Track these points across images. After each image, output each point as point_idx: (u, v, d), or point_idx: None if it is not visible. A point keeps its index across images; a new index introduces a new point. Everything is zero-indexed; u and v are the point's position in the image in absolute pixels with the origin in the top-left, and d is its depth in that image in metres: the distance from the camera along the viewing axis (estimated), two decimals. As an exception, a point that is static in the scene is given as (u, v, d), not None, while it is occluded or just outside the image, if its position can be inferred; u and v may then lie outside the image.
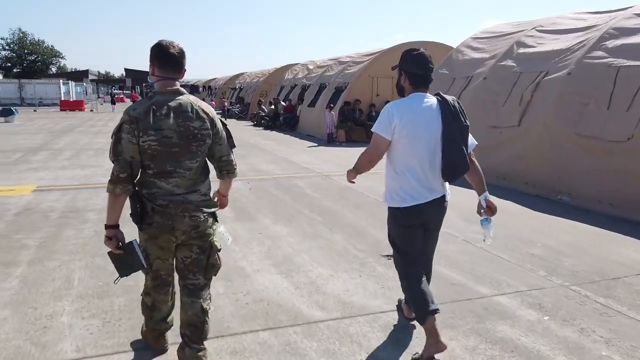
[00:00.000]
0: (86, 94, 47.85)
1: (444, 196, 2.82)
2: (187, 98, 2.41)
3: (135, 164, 2.32)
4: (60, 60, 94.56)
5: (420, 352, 2.75)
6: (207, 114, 2.43)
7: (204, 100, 15.19)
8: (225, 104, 27.01)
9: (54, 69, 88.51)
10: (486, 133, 8.76)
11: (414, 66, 2.72)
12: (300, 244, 4.82)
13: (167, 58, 2.36)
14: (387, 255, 4.44)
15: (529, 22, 10.25)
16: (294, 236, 5.07)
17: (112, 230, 2.40)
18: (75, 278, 3.86)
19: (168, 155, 2.31)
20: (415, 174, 2.70)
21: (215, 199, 2.71)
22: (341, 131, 14.38)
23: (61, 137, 14.71)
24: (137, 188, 2.37)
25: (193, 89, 43.53)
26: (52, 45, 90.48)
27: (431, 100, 2.72)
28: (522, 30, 9.77)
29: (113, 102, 36.68)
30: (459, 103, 2.74)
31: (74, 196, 6.81)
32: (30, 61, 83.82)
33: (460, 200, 6.88)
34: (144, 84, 49.49)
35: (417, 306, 2.77)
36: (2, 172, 8.65)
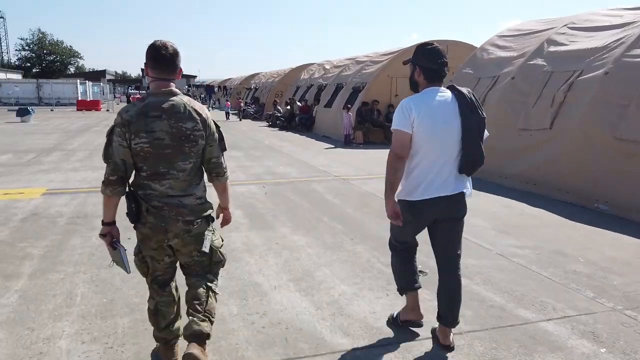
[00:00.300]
0: (103, 94, 48.15)
1: (462, 193, 2.77)
2: (181, 99, 2.39)
3: (127, 167, 2.34)
4: (78, 60, 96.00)
5: (399, 312, 3.03)
6: (200, 114, 2.41)
7: (219, 100, 14.75)
8: (242, 104, 26.77)
9: (72, 69, 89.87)
10: (514, 136, 8.31)
11: (429, 60, 2.69)
12: (320, 256, 4.46)
13: (160, 59, 2.35)
14: (420, 271, 4.05)
15: (560, 19, 9.74)
16: (313, 247, 4.72)
17: (107, 227, 2.47)
18: (78, 294, 3.57)
19: (160, 157, 2.33)
20: (432, 167, 2.68)
21: (220, 216, 2.74)
22: (359, 132, 13.98)
23: (76, 137, 14.61)
24: (132, 188, 2.40)
25: (208, 89, 43.50)
26: (70, 46, 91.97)
27: (446, 94, 2.70)
28: (553, 28, 9.27)
29: (129, 102, 36.77)
30: (474, 95, 2.71)
31: (83, 200, 6.56)
32: (49, 61, 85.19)
33: (492, 209, 6.49)
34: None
35: (400, 280, 2.98)
36: (13, 174, 8.47)
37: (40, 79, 44.19)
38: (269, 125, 21.23)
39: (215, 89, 46.85)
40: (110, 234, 2.46)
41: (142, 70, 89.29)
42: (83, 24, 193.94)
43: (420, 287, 3.00)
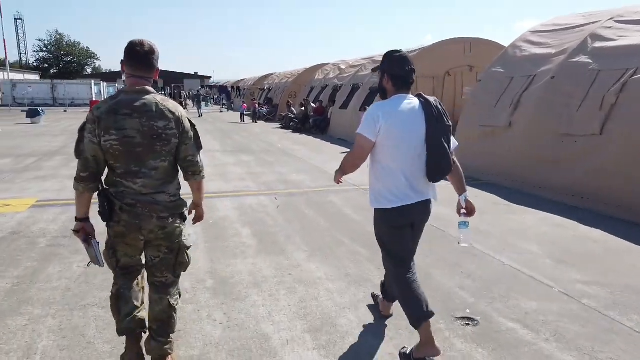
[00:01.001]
0: (117, 95, 47.85)
1: (428, 200, 2.82)
2: (153, 97, 2.36)
3: (98, 163, 2.33)
4: (95, 61, 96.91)
5: (408, 347, 2.78)
6: (173, 113, 2.38)
7: (233, 101, 14.00)
8: (257, 105, 26.09)
9: (89, 70, 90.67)
10: (556, 142, 7.41)
11: (397, 68, 2.73)
12: (343, 294, 3.67)
13: (134, 56, 2.34)
14: (467, 318, 3.24)
15: (603, 12, 8.80)
16: (334, 280, 3.93)
17: (80, 223, 2.45)
18: (39, 350, 2.83)
19: (131, 155, 2.31)
20: (400, 175, 2.70)
21: (193, 212, 2.75)
22: (377, 136, 13.14)
23: (82, 140, 14.04)
24: (105, 187, 2.39)
25: (221, 90, 43.11)
26: (87, 47, 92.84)
27: (414, 101, 2.72)
28: (596, 22, 8.33)
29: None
30: (440, 104, 2.73)
31: (74, 214, 5.86)
32: (67, 62, 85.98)
33: (541, 229, 5.47)
34: (172, 85, 49.49)
35: (411, 311, 2.75)
36: (6, 182, 7.85)
37: (55, 80, 44.19)
38: (282, 127, 20.51)
39: (229, 90, 46.41)
40: (84, 230, 2.44)
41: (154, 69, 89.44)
42: (100, 25, 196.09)
43: (434, 315, 2.74)
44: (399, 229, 2.82)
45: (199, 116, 27.88)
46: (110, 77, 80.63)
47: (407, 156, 2.68)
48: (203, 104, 32.33)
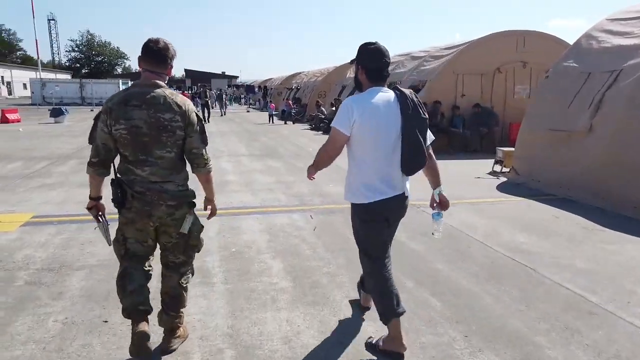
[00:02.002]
0: (145, 94, 47.90)
1: (404, 195, 2.77)
2: (163, 91, 2.48)
3: (107, 150, 2.48)
4: (125, 61, 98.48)
5: (375, 337, 2.85)
6: (180, 107, 2.49)
7: (259, 100, 13.31)
8: (290, 104, 24.93)
9: (119, 70, 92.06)
10: (656, 151, 6.02)
11: (371, 60, 2.66)
12: (421, 384, 2.50)
13: (149, 51, 2.48)
14: None
15: None
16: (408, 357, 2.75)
17: (93, 201, 2.62)
18: None
19: (139, 145, 2.44)
20: (375, 169, 2.66)
21: (208, 208, 2.89)
22: (419, 139, 11.85)
23: (102, 141, 13.27)
24: (118, 175, 2.52)
25: (248, 89, 42.48)
26: (117, 47, 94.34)
27: (389, 94, 2.66)
28: (700, 4, 6.87)
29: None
30: (416, 96, 2.69)
31: (71, 236, 4.87)
32: (97, 62, 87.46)
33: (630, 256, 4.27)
34: (198, 84, 49.19)
35: (382, 307, 2.74)
36: (6, 192, 6.95)
37: (83, 79, 44.43)
38: (312, 128, 19.40)
39: (256, 89, 45.72)
40: (96, 208, 2.62)
41: (185, 70, 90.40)
42: (130, 25, 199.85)
43: (404, 313, 2.75)
44: (374, 224, 2.77)
45: (222, 115, 27.06)
46: (137, 77, 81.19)
47: (382, 150, 2.63)
48: (227, 103, 31.72)
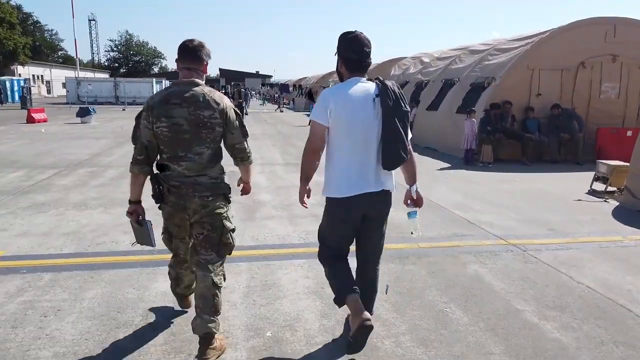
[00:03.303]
0: (179, 93, 47.36)
1: (385, 191, 2.64)
2: (202, 89, 2.54)
3: (152, 148, 2.56)
4: (162, 60, 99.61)
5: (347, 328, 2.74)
6: (218, 104, 2.55)
7: (293, 100, 11.68)
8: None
9: (155, 69, 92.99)
10: None
11: (349, 50, 2.57)
12: None
13: (185, 49, 2.57)
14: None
15: None
16: None
17: (133, 205, 2.70)
18: None
19: (179, 141, 2.52)
20: (352, 163, 2.57)
21: (241, 187, 2.99)
22: (487, 148, 9.90)
23: (124, 144, 11.96)
24: (156, 171, 2.61)
25: (283, 88, 41.12)
26: (155, 47, 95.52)
27: (368, 85, 2.58)
28: None
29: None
30: (398, 88, 2.59)
31: (35, 298, 3.36)
32: (135, 62, 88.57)
33: None
34: (232, 83, 48.20)
35: (336, 289, 2.71)
36: (-15, 213, 5.57)
37: (117, 78, 44.26)
38: (352, 131, 17.65)
39: (290, 88, 44.35)
40: (136, 212, 2.69)
41: (220, 70, 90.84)
42: (166, 25, 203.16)
43: (358, 292, 2.64)
44: (343, 222, 2.67)
45: (245, 114, 25.54)
46: (175, 76, 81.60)
47: (359, 143, 2.54)
48: (260, 101, 30.19)
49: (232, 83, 49.20)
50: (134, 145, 2.60)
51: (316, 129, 2.58)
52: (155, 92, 2.65)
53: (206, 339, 2.59)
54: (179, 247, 2.78)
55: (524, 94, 10.76)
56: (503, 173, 8.96)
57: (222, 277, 2.70)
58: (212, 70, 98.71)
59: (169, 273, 3.00)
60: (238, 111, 2.67)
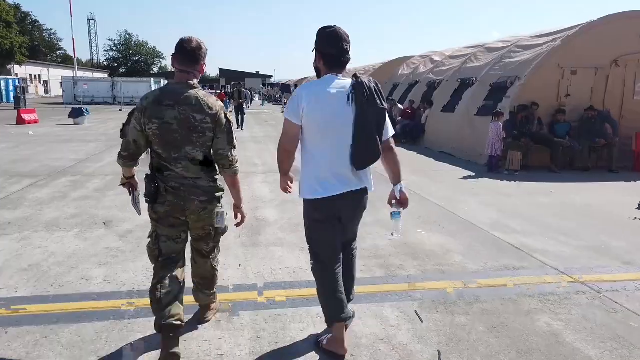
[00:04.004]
0: (178, 93, 46.42)
1: (362, 189, 2.62)
2: (196, 92, 2.54)
3: (137, 146, 2.58)
4: (161, 60, 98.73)
5: (325, 338, 2.74)
6: (211, 108, 2.54)
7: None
8: None
9: (155, 69, 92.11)
10: None
11: (327, 45, 2.51)
12: None
13: (182, 51, 2.54)
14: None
15: None
16: None
17: (126, 179, 2.80)
18: None
19: (170, 142, 2.52)
20: (326, 162, 2.51)
21: (237, 216, 2.81)
22: (515, 154, 8.95)
23: (115, 148, 11.01)
24: (153, 171, 2.61)
25: (284, 88, 40.22)
26: (154, 47, 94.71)
27: (344, 82, 2.50)
28: None
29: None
30: (376, 84, 2.52)
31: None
32: (134, 62, 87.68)
33: None
34: (232, 83, 47.22)
35: (328, 310, 2.67)
36: None
37: (115, 78, 43.38)
38: (359, 133, 16.70)
39: (292, 89, 43.44)
40: (129, 184, 2.82)
41: (219, 70, 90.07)
42: (165, 24, 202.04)
43: (349, 318, 2.69)
44: (325, 223, 2.60)
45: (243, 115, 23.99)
46: (172, 76, 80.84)
47: (333, 142, 2.48)
48: (260, 102, 29.00)
49: (232, 83, 48.29)
50: (121, 140, 2.65)
51: (288, 127, 2.53)
52: (149, 91, 2.62)
53: (206, 307, 3.03)
54: (172, 249, 2.67)
55: (552, 94, 9.84)
56: (534, 183, 8.03)
57: (217, 258, 2.94)
58: (212, 71, 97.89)
59: (150, 289, 2.63)
60: (230, 119, 2.66)
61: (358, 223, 2.82)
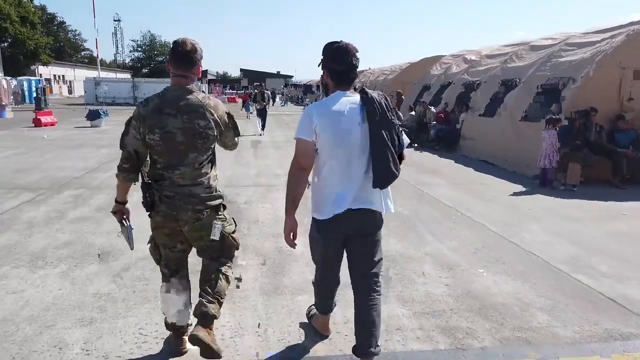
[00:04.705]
0: (199, 94, 46.16)
1: (371, 209, 2.47)
2: (195, 96, 2.47)
3: (139, 157, 2.49)
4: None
5: (314, 313, 2.99)
6: (213, 113, 2.49)
7: (316, 100, 9.01)
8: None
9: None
10: None
11: (334, 61, 2.45)
12: None
13: (177, 54, 2.46)
14: None
15: None
16: None
17: (118, 205, 2.65)
18: None
19: (174, 152, 2.44)
20: (338, 180, 2.44)
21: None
22: (574, 166, 7.82)
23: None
24: (148, 179, 2.54)
25: (306, 88, 39.40)
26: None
27: (354, 98, 2.44)
28: None
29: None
30: (386, 99, 2.46)
31: None
32: (158, 62, 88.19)
33: None
34: (254, 84, 46.65)
35: (319, 302, 2.88)
36: None
37: (136, 78, 43.27)
38: (386, 138, 15.67)
39: (314, 89, 42.56)
40: (120, 212, 2.65)
41: (241, 70, 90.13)
42: (189, 25, 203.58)
43: (331, 311, 2.93)
44: (329, 241, 2.55)
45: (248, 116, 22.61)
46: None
47: (344, 159, 2.42)
48: (282, 102, 28.02)
49: (255, 84, 47.68)
50: (121, 151, 2.53)
51: (302, 146, 2.44)
52: (147, 98, 2.48)
53: (205, 319, 2.51)
54: (169, 257, 2.64)
55: (612, 98, 8.68)
56: (599, 202, 6.92)
57: (228, 268, 2.69)
58: (234, 71, 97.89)
59: (160, 294, 2.72)
60: (231, 113, 2.63)
61: (374, 249, 2.57)
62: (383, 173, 2.36)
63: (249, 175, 8.51)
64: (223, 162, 10.68)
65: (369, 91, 2.43)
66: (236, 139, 2.70)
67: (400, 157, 2.46)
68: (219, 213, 2.60)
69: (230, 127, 2.61)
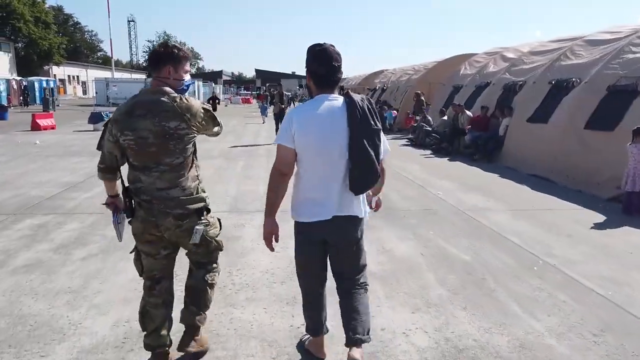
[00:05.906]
0: (213, 94, 45.37)
1: (350, 216, 2.42)
2: (168, 98, 2.41)
3: (114, 158, 2.47)
4: (198, 61, 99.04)
5: (308, 339, 2.83)
6: (185, 114, 2.42)
7: None
8: (414, 122, 17.76)
9: (193, 70, 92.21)
10: None
11: (317, 64, 2.40)
12: None
13: (153, 57, 2.47)
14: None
15: None
16: None
17: (110, 198, 2.64)
18: None
19: (146, 154, 2.40)
20: (317, 186, 2.40)
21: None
22: (671, 190, 6.19)
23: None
24: (127, 184, 2.50)
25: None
26: (192, 47, 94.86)
27: (336, 102, 2.39)
28: None
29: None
30: (369, 102, 2.41)
31: None
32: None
33: None
34: (267, 84, 45.40)
35: (310, 323, 2.73)
36: None
37: (148, 79, 42.41)
38: (413, 144, 14.14)
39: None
40: (113, 204, 2.64)
41: (256, 71, 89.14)
42: (204, 26, 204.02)
43: (328, 332, 2.76)
44: (309, 245, 2.52)
45: (263, 123, 20.87)
46: (211, 77, 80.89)
47: (324, 164, 2.37)
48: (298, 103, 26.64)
49: (267, 84, 46.53)
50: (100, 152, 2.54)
51: (282, 153, 2.40)
52: (125, 101, 2.48)
53: (191, 330, 2.61)
54: (153, 266, 2.54)
55: None
56: None
57: (215, 274, 2.70)
58: (249, 71, 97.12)
59: (138, 311, 2.60)
60: (208, 107, 2.57)
61: (358, 254, 2.54)
62: (360, 180, 2.34)
63: (259, 195, 6.94)
64: (229, 176, 9.46)
65: (353, 95, 2.38)
66: (216, 128, 2.64)
67: (382, 163, 2.45)
68: (202, 217, 2.52)
69: (209, 120, 2.56)
